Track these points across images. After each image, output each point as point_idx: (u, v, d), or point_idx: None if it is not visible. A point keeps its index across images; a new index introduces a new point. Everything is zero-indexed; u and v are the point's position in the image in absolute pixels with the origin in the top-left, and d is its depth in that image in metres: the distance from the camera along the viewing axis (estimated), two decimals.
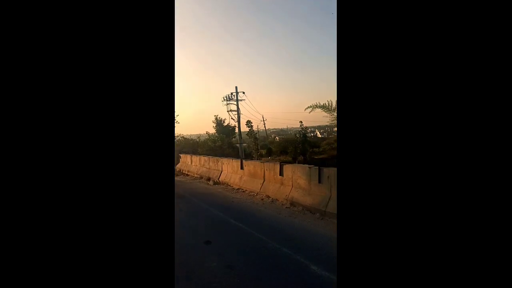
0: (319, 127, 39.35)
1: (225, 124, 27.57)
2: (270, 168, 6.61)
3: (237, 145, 22.54)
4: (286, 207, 5.59)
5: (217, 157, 9.72)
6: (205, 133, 21.50)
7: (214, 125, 27.33)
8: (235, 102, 21.81)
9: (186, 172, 11.68)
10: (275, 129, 55.86)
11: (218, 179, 8.92)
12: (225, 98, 22.07)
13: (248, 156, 17.89)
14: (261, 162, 7.10)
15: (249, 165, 7.53)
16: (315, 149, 15.10)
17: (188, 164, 11.93)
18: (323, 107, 13.48)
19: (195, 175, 10.83)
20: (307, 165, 5.62)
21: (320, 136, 30.92)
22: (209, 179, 9.43)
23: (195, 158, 11.45)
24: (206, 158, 10.49)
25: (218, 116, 27.62)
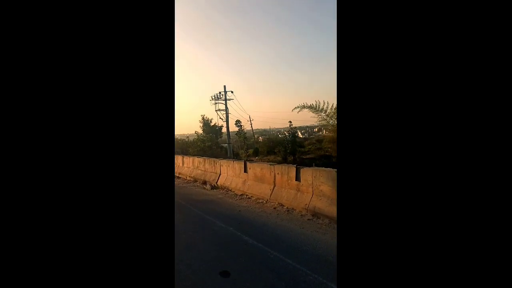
0: (300, 128, 39.30)
1: (212, 124, 26.63)
2: (282, 172, 5.44)
3: (224, 145, 21.48)
4: (308, 219, 4.47)
5: (214, 159, 8.37)
6: (193, 132, 20.09)
7: (201, 125, 26.28)
8: (223, 102, 20.77)
9: (177, 175, 10.26)
10: (257, 129, 55.30)
11: (216, 183, 7.64)
12: (213, 98, 20.97)
13: (235, 156, 16.87)
14: (270, 164, 5.90)
15: (255, 167, 6.30)
16: (300, 149, 14.54)
17: (180, 165, 10.49)
18: (310, 107, 13.02)
19: (188, 178, 9.46)
20: (332, 168, 4.53)
21: (301, 136, 30.68)
22: (205, 182, 8.12)
23: (188, 159, 10.04)
24: (200, 159, 9.11)
25: (205, 116, 26.59)
